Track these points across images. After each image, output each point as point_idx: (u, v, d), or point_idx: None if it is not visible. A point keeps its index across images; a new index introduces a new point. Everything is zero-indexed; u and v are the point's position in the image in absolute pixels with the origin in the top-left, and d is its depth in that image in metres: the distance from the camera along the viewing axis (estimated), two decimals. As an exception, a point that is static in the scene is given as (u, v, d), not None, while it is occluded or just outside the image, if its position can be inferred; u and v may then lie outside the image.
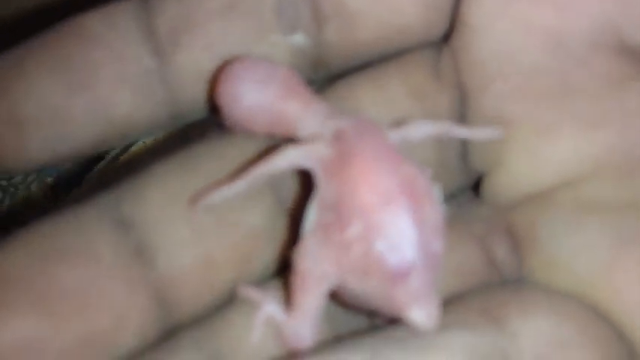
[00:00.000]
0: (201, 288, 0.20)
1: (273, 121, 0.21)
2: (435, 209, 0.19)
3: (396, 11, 0.22)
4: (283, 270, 0.21)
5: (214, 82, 0.21)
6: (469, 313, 0.20)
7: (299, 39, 0.22)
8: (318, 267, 0.19)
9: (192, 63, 0.22)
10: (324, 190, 0.19)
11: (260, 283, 0.21)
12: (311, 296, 0.19)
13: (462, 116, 0.23)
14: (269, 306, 0.20)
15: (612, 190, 0.21)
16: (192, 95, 0.22)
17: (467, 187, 0.24)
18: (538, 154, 0.22)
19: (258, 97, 0.20)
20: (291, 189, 0.22)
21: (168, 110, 0.22)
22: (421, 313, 0.18)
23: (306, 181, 0.21)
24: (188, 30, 0.22)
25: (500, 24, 0.22)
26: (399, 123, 0.21)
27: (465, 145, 0.23)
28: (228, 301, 0.21)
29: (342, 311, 0.21)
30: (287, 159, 0.20)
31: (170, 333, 0.20)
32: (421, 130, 0.21)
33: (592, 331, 0.20)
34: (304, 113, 0.21)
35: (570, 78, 0.22)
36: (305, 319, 0.19)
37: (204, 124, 0.23)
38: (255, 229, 0.21)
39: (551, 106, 0.22)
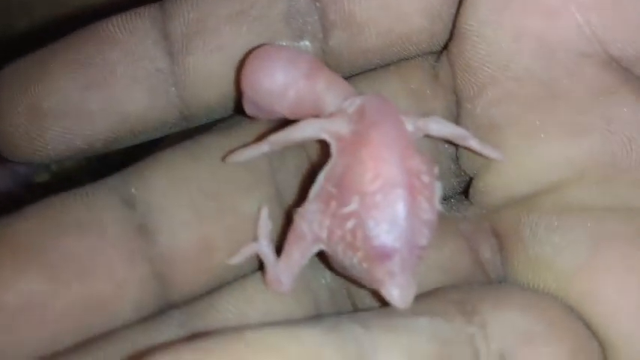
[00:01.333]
0: (198, 268, 0.22)
1: (299, 101, 0.22)
2: (430, 206, 0.21)
3: (402, 21, 0.24)
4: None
5: (240, 67, 0.23)
6: (442, 304, 0.21)
7: (306, 45, 0.24)
8: (312, 231, 0.21)
9: (203, 65, 0.23)
10: (335, 162, 0.21)
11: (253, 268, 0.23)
12: (299, 253, 0.21)
13: (455, 119, 0.24)
14: (264, 247, 0.22)
15: (593, 195, 0.22)
16: (202, 96, 0.24)
17: (458, 190, 0.25)
18: (525, 159, 0.23)
19: (285, 76, 0.22)
20: (290, 182, 0.24)
21: (179, 110, 0.24)
22: (396, 292, 0.20)
23: (324, 151, 0.22)
24: (200, 33, 0.23)
25: (493, 31, 0.23)
26: (422, 114, 0.23)
27: (457, 150, 0.25)
28: (222, 285, 0.22)
29: (329, 295, 0.23)
30: (309, 129, 0.22)
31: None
32: (441, 127, 0.23)
33: (562, 328, 0.21)
34: (330, 90, 0.22)
35: (558, 86, 0.23)
36: (288, 269, 0.21)
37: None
38: (252, 215, 0.23)
39: (540, 112, 0.23)
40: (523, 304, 0.21)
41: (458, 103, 0.24)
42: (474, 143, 0.23)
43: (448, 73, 0.24)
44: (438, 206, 0.21)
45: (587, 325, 0.21)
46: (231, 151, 0.23)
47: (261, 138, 0.23)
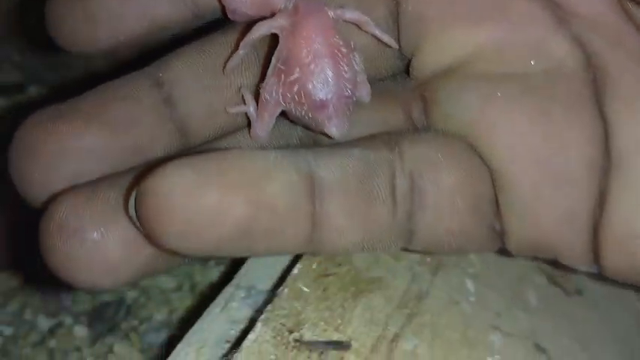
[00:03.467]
0: (206, 125, 0.32)
1: (260, 3, 0.31)
2: (351, 68, 0.30)
3: None
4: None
5: None
6: (373, 142, 0.30)
7: None
8: (272, 98, 0.30)
9: None
10: (281, 47, 0.30)
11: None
12: (267, 115, 0.31)
13: (396, 18, 0.32)
14: (252, 109, 0.31)
15: (491, 67, 0.31)
16: (209, 1, 0.33)
17: (402, 69, 0.34)
18: (444, 42, 0.31)
19: None
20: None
21: (192, 12, 0.33)
22: (334, 128, 0.30)
23: (275, 42, 0.31)
24: None
25: None
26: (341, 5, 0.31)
27: (399, 39, 0.33)
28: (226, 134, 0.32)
29: (298, 142, 0.32)
30: (262, 28, 0.31)
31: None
32: (352, 15, 0.31)
33: (461, 158, 0.30)
34: None
35: None
36: (263, 126, 0.31)
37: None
38: (243, 87, 0.32)
39: (453, 7, 0.31)
40: (434, 142, 0.30)
41: (397, 3, 0.32)
42: (374, 29, 0.31)
43: None
44: (357, 67, 0.30)
45: (481, 157, 0.30)
46: (225, 62, 0.32)
47: (236, 46, 0.32)
